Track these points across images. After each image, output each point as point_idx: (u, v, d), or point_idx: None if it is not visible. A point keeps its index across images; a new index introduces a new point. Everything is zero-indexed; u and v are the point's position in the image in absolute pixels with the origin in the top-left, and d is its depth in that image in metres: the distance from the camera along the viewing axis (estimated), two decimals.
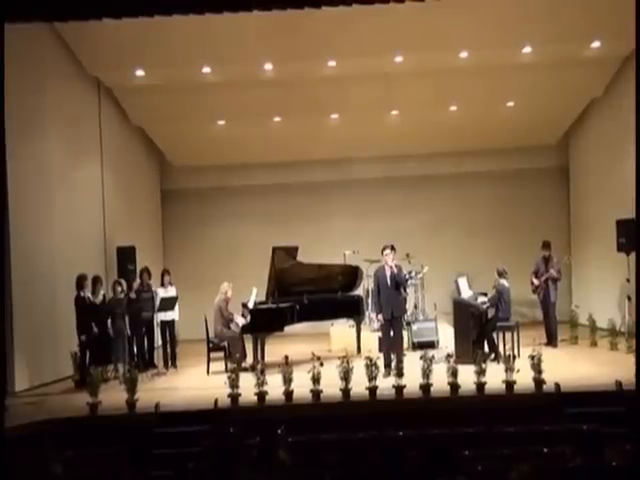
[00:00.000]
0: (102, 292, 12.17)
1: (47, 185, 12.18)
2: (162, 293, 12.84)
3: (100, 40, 12.22)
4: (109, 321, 11.98)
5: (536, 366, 9.31)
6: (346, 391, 9.36)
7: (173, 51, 12.48)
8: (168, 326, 12.94)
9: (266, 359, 11.77)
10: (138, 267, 13.44)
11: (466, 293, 12.55)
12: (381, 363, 10.21)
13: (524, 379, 9.32)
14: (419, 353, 9.82)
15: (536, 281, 13.55)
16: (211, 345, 12.34)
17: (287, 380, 9.37)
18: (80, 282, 11.58)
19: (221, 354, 12.27)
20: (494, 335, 11.90)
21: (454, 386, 9.33)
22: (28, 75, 11.39)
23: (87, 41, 12.49)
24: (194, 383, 11.49)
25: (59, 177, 12.61)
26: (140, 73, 13.26)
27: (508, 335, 11.92)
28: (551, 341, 13.20)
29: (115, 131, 14.92)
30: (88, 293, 11.72)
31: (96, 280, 12.04)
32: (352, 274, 13.89)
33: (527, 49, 12.91)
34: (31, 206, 11.56)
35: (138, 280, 12.89)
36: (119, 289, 12.29)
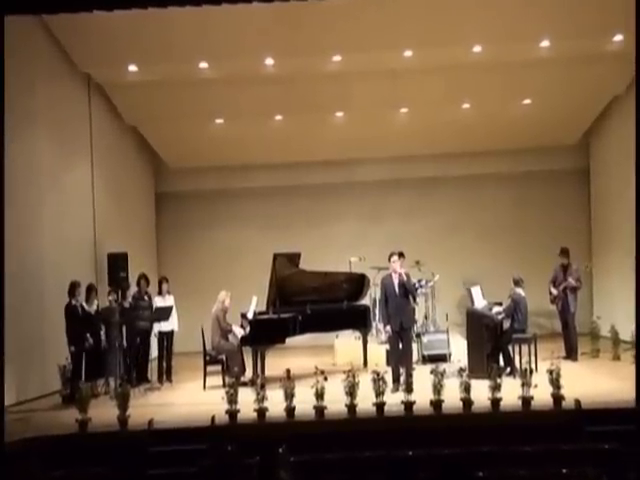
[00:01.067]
0: (96, 301, 12.17)
1: (35, 187, 12.18)
2: (160, 302, 12.85)
3: (91, 34, 12.21)
4: (102, 332, 11.98)
5: (555, 381, 9.27)
6: (352, 407, 9.33)
7: (168, 45, 12.48)
8: (166, 337, 12.95)
9: (266, 373, 11.78)
10: (130, 274, 13.46)
11: (480, 303, 12.52)
12: (389, 377, 10.19)
13: (542, 395, 9.27)
14: (430, 367, 9.80)
15: (554, 290, 13.53)
16: (208, 358, 12.33)
17: (289, 395, 9.34)
18: (72, 290, 11.57)
19: (218, 368, 12.24)
20: (510, 348, 11.87)
21: (467, 402, 9.29)
22: (16, 72, 11.37)
23: (78, 36, 12.49)
24: (190, 398, 11.48)
25: (48, 179, 12.62)
26: (133, 69, 13.29)
27: (525, 348, 11.90)
28: (570, 354, 13.17)
29: (107, 130, 14.93)
30: (81, 301, 11.73)
31: (90, 288, 12.05)
32: (358, 282, 13.87)
33: (545, 43, 12.90)
34: (19, 209, 11.56)
35: (135, 287, 12.89)
36: (112, 298, 12.28)
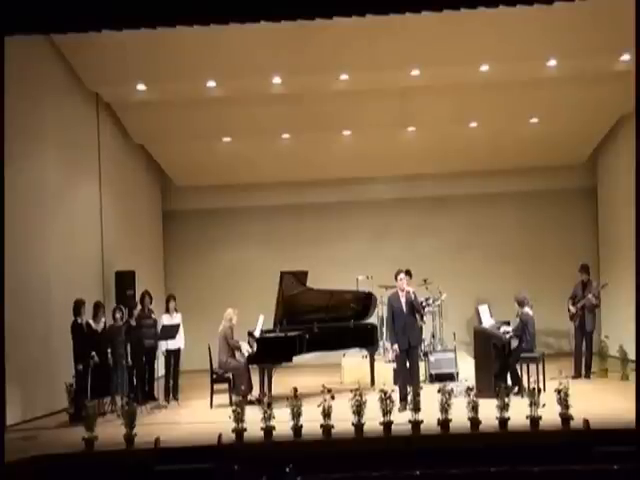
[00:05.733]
0: (103, 319, 12.18)
1: (43, 206, 12.25)
2: (167, 320, 12.84)
3: (100, 54, 12.32)
4: (109, 350, 11.97)
5: (563, 401, 9.25)
6: (359, 426, 9.31)
7: (176, 64, 12.56)
8: (173, 355, 12.95)
9: (273, 392, 11.73)
10: (138, 293, 13.47)
11: (487, 322, 12.50)
12: (396, 396, 10.15)
13: (550, 415, 9.25)
14: (437, 386, 9.77)
15: (572, 308, 13.53)
16: (215, 376, 12.32)
17: (296, 414, 9.31)
18: (77, 308, 11.58)
19: (225, 386, 12.24)
20: (517, 367, 11.84)
21: (475, 422, 9.25)
22: (25, 91, 11.49)
23: (87, 55, 12.60)
24: (196, 417, 11.46)
25: (56, 197, 12.68)
26: (141, 87, 13.36)
27: (532, 367, 11.87)
28: (586, 372, 13.30)
29: (115, 149, 15.01)
30: (87, 319, 11.74)
31: (97, 306, 12.06)
32: (365, 301, 13.87)
33: (552, 62, 12.93)
34: (27, 228, 11.61)
35: (139, 306, 12.89)
36: (118, 315, 12.29)
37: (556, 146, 16.32)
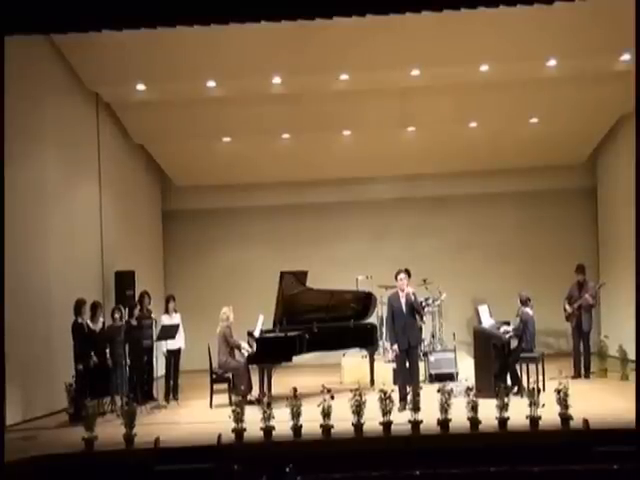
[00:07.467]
0: (101, 319, 12.18)
1: (43, 206, 12.24)
2: (166, 320, 12.84)
3: (100, 54, 12.31)
4: (107, 350, 11.97)
5: (563, 400, 9.25)
6: (358, 426, 9.31)
7: (176, 64, 12.56)
8: (174, 355, 12.95)
9: (273, 391, 11.72)
10: (137, 293, 13.47)
11: (487, 322, 12.50)
12: (396, 396, 10.15)
13: (550, 414, 9.25)
14: (437, 386, 9.79)
15: (568, 308, 13.53)
16: (214, 376, 12.32)
17: (295, 414, 9.32)
18: (78, 308, 11.59)
19: (225, 386, 12.24)
20: (517, 367, 11.84)
21: (474, 422, 9.26)
22: (25, 91, 11.48)
23: (86, 55, 12.60)
24: (196, 417, 11.46)
25: (55, 197, 12.67)
26: (141, 87, 13.36)
27: (532, 367, 11.87)
28: (585, 373, 13.28)
29: (114, 149, 15.00)
30: (87, 319, 11.75)
31: (95, 306, 12.05)
32: (365, 301, 13.88)
33: (552, 62, 12.93)
34: (27, 228, 11.61)
35: (139, 306, 12.89)
36: (117, 316, 12.28)
37: (556, 146, 16.32)
